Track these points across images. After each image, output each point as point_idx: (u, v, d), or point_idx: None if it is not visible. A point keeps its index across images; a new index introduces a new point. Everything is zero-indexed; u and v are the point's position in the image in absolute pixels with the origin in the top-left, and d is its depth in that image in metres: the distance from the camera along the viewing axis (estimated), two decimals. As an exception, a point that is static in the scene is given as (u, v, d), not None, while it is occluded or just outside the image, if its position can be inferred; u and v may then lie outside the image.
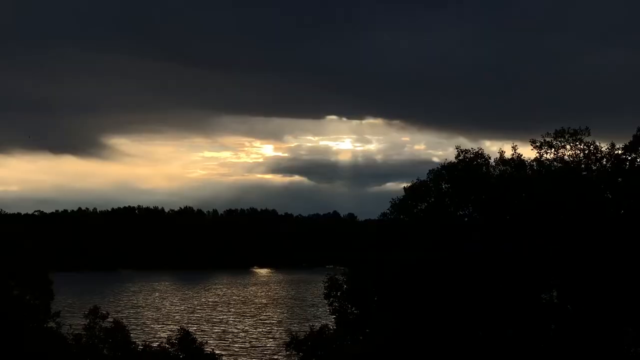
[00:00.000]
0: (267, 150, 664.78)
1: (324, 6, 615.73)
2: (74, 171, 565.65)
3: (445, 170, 59.64)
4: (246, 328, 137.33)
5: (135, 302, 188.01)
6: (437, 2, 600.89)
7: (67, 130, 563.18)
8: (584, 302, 53.03)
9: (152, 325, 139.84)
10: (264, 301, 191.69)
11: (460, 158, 59.17)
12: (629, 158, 55.28)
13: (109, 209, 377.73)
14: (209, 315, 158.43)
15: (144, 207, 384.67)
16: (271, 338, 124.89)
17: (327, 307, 64.51)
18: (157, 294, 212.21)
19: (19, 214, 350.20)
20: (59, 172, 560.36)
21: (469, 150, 59.21)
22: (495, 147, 67.30)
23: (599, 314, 51.71)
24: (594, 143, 56.07)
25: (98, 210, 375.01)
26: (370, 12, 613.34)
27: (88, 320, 67.79)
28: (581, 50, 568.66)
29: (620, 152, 55.54)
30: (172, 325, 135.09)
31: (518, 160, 58.37)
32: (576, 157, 56.43)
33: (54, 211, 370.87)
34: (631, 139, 54.90)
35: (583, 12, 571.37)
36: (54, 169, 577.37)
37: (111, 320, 69.47)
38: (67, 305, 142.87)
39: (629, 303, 51.15)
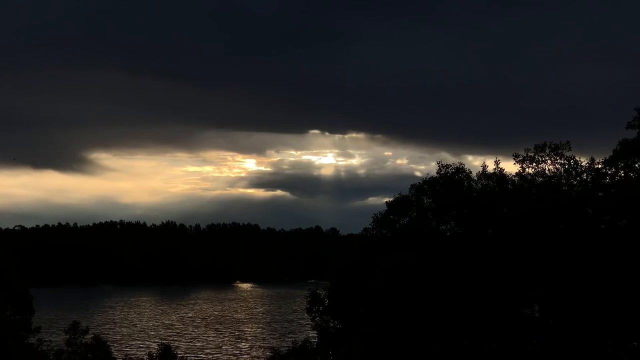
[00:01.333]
0: (249, 164, 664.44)
1: (307, 21, 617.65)
2: (55, 186, 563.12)
3: (427, 185, 59.87)
4: (227, 343, 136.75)
5: (115, 317, 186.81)
6: (419, 16, 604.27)
7: (48, 145, 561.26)
8: (566, 315, 53.24)
9: (132, 341, 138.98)
10: (246, 316, 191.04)
11: (441, 173, 59.46)
12: (609, 172, 55.65)
13: (91, 224, 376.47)
14: (190, 331, 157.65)
15: (125, 221, 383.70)
16: (253, 353, 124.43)
17: (310, 322, 64.42)
18: (137, 309, 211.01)
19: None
20: (40, 187, 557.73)
21: (451, 165, 59.55)
22: (477, 162, 68.04)
23: (580, 328, 51.94)
24: (574, 157, 56.58)
25: (79, 225, 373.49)
26: (353, 26, 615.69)
27: (68, 336, 67.46)
28: (563, 65, 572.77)
29: (600, 166, 55.94)
30: (152, 341, 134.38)
31: (500, 175, 58.70)
32: (557, 171, 56.86)
33: (35, 226, 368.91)
34: (611, 154, 55.29)
35: (564, 26, 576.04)
36: (35, 184, 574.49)
37: (91, 335, 69.12)
38: (48, 321, 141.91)
39: (611, 317, 51.39)
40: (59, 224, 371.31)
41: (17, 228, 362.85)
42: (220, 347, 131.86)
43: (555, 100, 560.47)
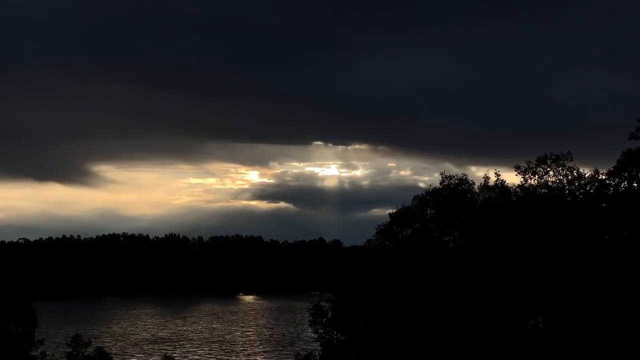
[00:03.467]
0: (252, 176, 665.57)
1: (310, 32, 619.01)
2: (58, 198, 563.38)
3: (430, 196, 59.86)
4: (229, 356, 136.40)
5: (117, 330, 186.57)
6: (422, 27, 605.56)
7: (51, 158, 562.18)
8: (570, 326, 53.08)
9: (133, 354, 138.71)
10: (248, 329, 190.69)
11: (444, 184, 59.46)
12: (613, 183, 55.53)
13: (94, 236, 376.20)
14: (191, 344, 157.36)
15: (128, 234, 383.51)
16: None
17: (313, 334, 64.28)
18: (139, 322, 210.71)
19: (2, 242, 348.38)
20: (43, 199, 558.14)
21: (454, 176, 59.56)
22: (481, 173, 68.07)
23: (584, 338, 51.76)
24: (577, 169, 56.48)
25: (82, 238, 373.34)
26: (355, 37, 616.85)
27: (71, 349, 67.37)
28: (565, 76, 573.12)
29: (604, 177, 55.83)
30: (154, 354, 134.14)
31: (501, 186, 58.65)
32: (560, 182, 56.74)
33: (39, 239, 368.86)
34: (615, 164, 55.18)
35: (566, 37, 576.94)
36: (38, 196, 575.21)
37: (93, 348, 69.02)
38: (51, 334, 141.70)
39: (614, 327, 51.22)
40: (63, 236, 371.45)
41: (20, 241, 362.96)
42: (227, 359, 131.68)
43: (557, 110, 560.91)
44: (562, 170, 56.42)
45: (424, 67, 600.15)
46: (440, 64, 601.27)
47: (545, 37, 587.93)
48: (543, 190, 56.79)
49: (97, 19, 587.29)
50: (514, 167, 57.50)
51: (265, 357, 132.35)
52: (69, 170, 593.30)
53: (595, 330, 51.43)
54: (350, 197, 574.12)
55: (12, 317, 66.59)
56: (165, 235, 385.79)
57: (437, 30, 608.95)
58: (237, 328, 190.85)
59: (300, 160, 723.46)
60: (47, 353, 69.06)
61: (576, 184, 56.53)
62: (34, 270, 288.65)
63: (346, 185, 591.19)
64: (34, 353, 67.38)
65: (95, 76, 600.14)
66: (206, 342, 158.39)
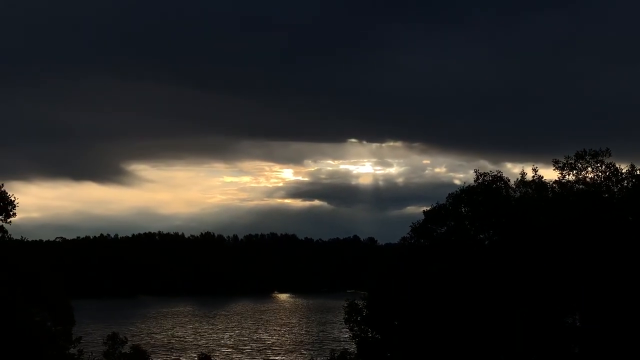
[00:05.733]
0: (286, 174, 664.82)
1: (346, 29, 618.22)
2: (94, 197, 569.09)
3: (464, 194, 59.58)
4: (263, 354, 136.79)
5: (153, 328, 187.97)
6: (455, 24, 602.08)
7: (88, 157, 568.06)
8: (608, 324, 52.51)
9: (170, 352, 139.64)
10: (284, 327, 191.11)
11: (479, 181, 59.14)
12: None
13: (130, 235, 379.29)
14: (227, 342, 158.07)
15: (164, 232, 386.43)
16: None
17: (348, 332, 64.21)
18: (175, 320, 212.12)
19: (40, 241, 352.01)
20: (79, 199, 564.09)
21: (488, 173, 59.23)
22: (516, 169, 67.45)
23: (622, 336, 51.19)
24: (615, 165, 55.94)
25: (119, 237, 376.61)
26: (389, 34, 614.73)
27: (107, 347, 67.94)
28: (602, 71, 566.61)
29: (640, 173, 55.22)
30: (189, 351, 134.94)
31: (538, 182, 58.22)
32: (597, 178, 56.21)
33: (76, 238, 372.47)
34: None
35: (602, 31, 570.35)
36: (75, 196, 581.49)
37: (130, 346, 69.52)
38: (88, 332, 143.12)
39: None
40: (100, 235, 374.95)
41: (58, 240, 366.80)
42: (262, 357, 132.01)
43: (594, 107, 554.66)
44: (600, 166, 55.94)
45: (460, 64, 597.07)
46: (476, 61, 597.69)
47: (588, 35, 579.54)
48: (580, 186, 56.29)
49: (136, 20, 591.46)
50: (553, 162, 57.09)
51: (298, 356, 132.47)
52: (105, 170, 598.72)
53: (633, 327, 50.84)
54: (384, 195, 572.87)
55: (50, 315, 67.25)
56: (201, 233, 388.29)
57: (471, 27, 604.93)
58: (270, 327, 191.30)
59: (334, 158, 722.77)
60: (85, 351, 69.68)
61: (613, 179, 55.98)
62: (71, 268, 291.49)
63: (381, 182, 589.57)
64: (71, 351, 68.02)
65: (133, 76, 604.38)
66: (238, 341, 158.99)
